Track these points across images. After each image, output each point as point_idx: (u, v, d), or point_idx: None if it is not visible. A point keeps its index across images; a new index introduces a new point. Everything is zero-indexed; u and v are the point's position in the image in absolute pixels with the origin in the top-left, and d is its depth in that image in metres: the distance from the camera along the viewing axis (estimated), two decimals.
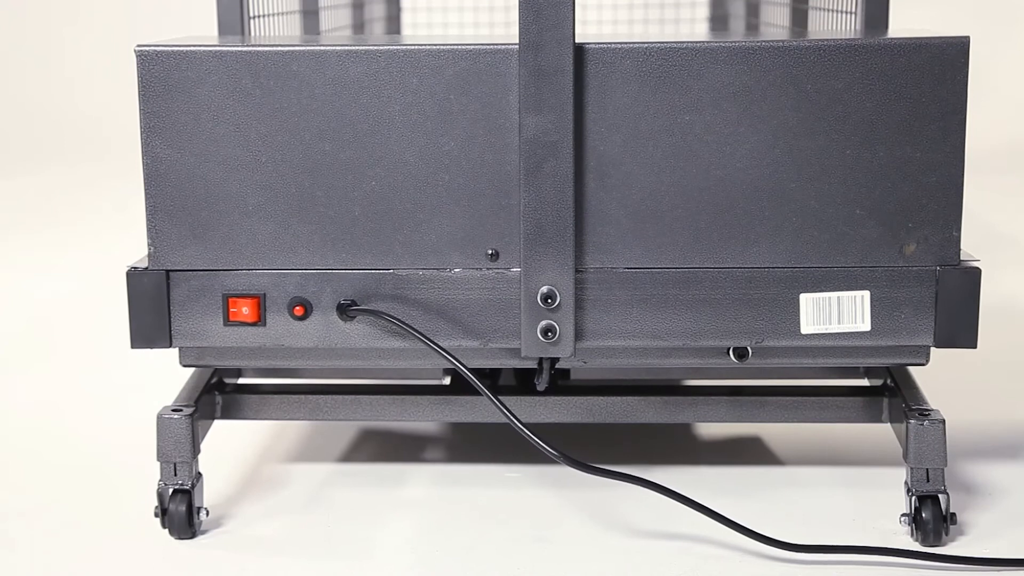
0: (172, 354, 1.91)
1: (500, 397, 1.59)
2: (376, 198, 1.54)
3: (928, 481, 1.60)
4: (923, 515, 1.59)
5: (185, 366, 1.64)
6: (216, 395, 1.75)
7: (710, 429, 2.00)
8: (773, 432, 1.97)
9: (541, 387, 1.60)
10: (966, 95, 1.50)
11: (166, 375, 2.22)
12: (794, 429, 1.97)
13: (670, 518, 1.68)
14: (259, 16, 1.97)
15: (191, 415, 1.64)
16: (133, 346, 1.58)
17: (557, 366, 1.62)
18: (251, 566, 1.58)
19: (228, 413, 1.76)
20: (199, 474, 1.66)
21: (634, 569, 1.56)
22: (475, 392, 1.73)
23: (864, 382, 1.91)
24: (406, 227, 1.54)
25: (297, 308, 1.56)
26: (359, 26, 2.69)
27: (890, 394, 1.73)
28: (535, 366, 1.61)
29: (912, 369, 1.78)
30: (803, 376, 1.94)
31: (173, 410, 1.65)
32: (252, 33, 1.89)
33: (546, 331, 1.54)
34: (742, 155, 1.52)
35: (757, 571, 1.55)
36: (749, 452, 1.91)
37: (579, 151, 1.51)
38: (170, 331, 1.58)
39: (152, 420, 1.63)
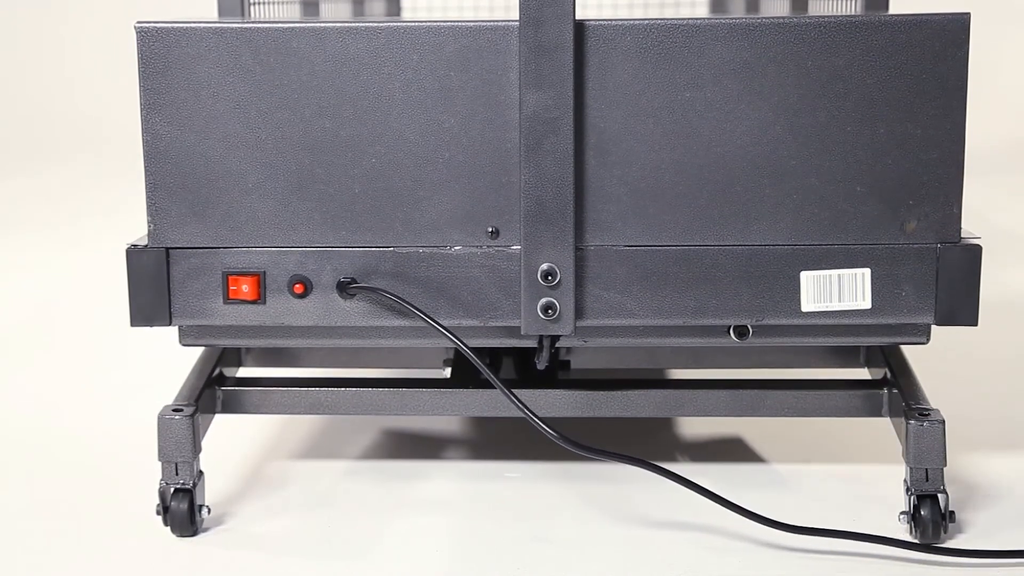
0: (172, 352, 1.91)
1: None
2: (376, 175, 1.54)
3: (927, 481, 1.60)
4: (922, 513, 1.58)
5: (185, 345, 1.64)
6: (217, 389, 1.75)
7: (693, 430, 1.99)
8: (763, 432, 1.96)
9: (541, 366, 1.60)
10: (967, 72, 1.50)
11: (166, 372, 2.21)
12: (783, 428, 1.96)
13: (673, 510, 1.68)
14: (259, 3, 1.97)
15: (192, 415, 1.63)
16: (133, 324, 1.57)
17: (557, 345, 1.62)
18: (252, 564, 1.58)
19: (229, 407, 1.75)
20: (200, 472, 1.66)
21: (637, 565, 1.55)
22: (475, 385, 1.73)
23: (864, 373, 1.90)
24: (406, 205, 1.54)
25: (297, 286, 1.56)
26: None
27: (890, 388, 1.73)
28: (535, 345, 1.60)
29: (912, 364, 1.77)
30: (803, 366, 1.94)
31: (174, 410, 1.64)
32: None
33: (546, 308, 1.54)
34: (743, 132, 1.52)
35: (762, 562, 1.55)
36: (736, 452, 1.90)
37: (579, 128, 1.51)
38: (170, 309, 1.57)
39: (153, 417, 1.62)
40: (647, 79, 1.51)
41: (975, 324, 1.55)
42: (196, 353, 1.84)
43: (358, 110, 1.52)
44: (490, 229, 1.54)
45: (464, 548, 1.61)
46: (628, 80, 1.51)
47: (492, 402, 1.71)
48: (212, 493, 1.73)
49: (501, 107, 1.52)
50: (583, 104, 1.51)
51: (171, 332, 1.68)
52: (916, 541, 1.58)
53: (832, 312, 1.55)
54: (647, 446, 1.92)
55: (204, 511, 1.66)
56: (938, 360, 2.25)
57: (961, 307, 1.55)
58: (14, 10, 5.24)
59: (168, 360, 2.23)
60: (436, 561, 1.58)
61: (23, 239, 3.50)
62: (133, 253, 1.56)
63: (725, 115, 1.51)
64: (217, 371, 1.78)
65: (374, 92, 1.52)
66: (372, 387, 1.74)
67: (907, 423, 1.61)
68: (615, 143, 1.52)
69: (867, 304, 1.55)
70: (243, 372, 1.93)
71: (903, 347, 1.82)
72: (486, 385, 1.72)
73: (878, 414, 1.73)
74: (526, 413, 1.55)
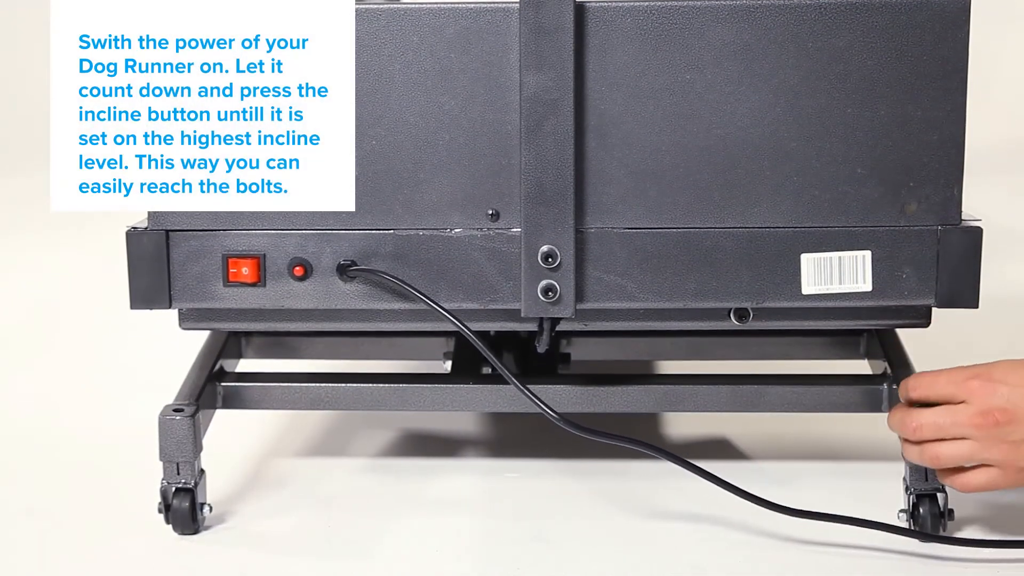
0: (172, 350, 1.91)
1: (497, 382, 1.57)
2: (376, 158, 1.53)
3: (927, 480, 1.59)
4: (921, 511, 1.58)
5: (184, 329, 1.64)
6: (217, 385, 1.74)
7: (680, 429, 1.98)
8: (760, 428, 1.95)
9: (541, 348, 1.60)
10: (967, 53, 1.50)
11: (167, 371, 2.20)
12: (779, 425, 1.95)
13: (676, 505, 1.67)
14: None
15: (192, 415, 1.63)
16: (132, 307, 1.57)
17: (557, 329, 1.61)
18: (254, 563, 1.57)
19: (229, 403, 1.75)
20: (202, 471, 1.66)
21: (639, 563, 1.55)
22: (475, 380, 1.72)
23: (865, 365, 1.90)
24: (406, 187, 1.54)
25: (297, 268, 1.55)
26: None
27: (889, 383, 1.73)
28: (535, 328, 1.60)
29: (914, 361, 1.77)
30: (803, 357, 1.93)
31: (174, 410, 1.64)
32: None
33: (546, 291, 1.54)
34: (743, 114, 1.51)
35: (767, 556, 1.55)
36: (729, 450, 1.89)
37: (579, 109, 1.51)
38: (170, 292, 1.57)
39: (153, 416, 1.62)
40: (647, 61, 1.51)
41: (976, 306, 1.55)
42: (196, 350, 1.83)
43: (358, 92, 1.52)
44: (490, 211, 1.54)
45: (465, 547, 1.61)
46: (629, 62, 1.51)
47: (493, 397, 1.71)
48: (214, 491, 1.72)
49: (501, 89, 1.52)
50: (583, 86, 1.51)
51: (171, 330, 1.68)
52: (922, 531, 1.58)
53: (832, 295, 1.55)
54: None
55: (206, 509, 1.65)
56: (939, 357, 2.24)
57: (962, 289, 1.55)
58: (14, 10, 5.24)
59: (168, 358, 2.23)
60: (437, 561, 1.57)
61: (23, 239, 3.50)
62: (133, 235, 1.56)
63: (725, 97, 1.51)
64: (218, 366, 1.78)
65: (374, 74, 1.52)
66: (372, 382, 1.73)
67: None
68: (615, 125, 1.52)
69: (868, 286, 1.55)
70: (243, 366, 1.92)
71: (903, 343, 1.82)
72: (487, 380, 1.72)
73: (878, 409, 1.72)
74: (529, 396, 1.55)
